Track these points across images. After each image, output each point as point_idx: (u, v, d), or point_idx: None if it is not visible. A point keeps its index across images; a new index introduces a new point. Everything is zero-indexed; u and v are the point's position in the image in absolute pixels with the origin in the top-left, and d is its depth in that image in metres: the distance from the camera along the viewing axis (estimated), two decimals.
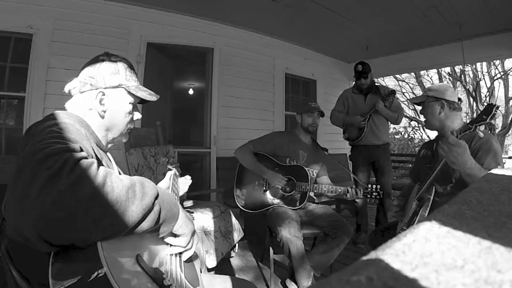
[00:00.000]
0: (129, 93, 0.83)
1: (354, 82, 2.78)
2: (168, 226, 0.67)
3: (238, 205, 1.94)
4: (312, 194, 2.23)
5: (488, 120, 1.03)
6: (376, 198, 1.72)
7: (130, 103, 0.84)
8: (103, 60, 0.80)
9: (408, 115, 10.11)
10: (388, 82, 10.72)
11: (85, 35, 2.64)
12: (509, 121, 8.84)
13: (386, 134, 2.71)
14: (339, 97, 2.88)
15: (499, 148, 1.23)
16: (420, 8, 2.81)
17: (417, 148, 7.79)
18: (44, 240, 0.49)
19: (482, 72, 9.49)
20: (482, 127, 1.09)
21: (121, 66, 0.82)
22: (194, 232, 0.77)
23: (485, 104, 9.22)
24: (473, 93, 8.98)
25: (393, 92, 2.56)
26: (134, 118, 0.88)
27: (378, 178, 2.69)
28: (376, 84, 2.79)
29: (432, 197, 1.27)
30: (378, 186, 1.73)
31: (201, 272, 0.88)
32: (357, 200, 2.65)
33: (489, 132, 1.28)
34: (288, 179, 1.89)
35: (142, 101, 0.89)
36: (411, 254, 0.20)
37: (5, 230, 0.60)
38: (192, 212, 2.01)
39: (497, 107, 1.03)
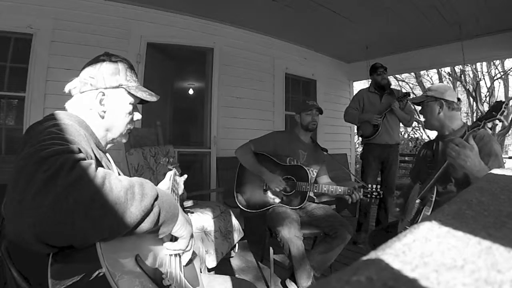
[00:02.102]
0: (129, 93, 0.83)
1: (370, 82, 2.84)
2: (168, 227, 0.67)
3: (238, 205, 1.94)
4: (312, 194, 2.23)
5: (498, 116, 1.01)
6: (376, 198, 1.72)
7: (130, 103, 0.84)
8: (103, 60, 0.80)
9: None
10: None
11: (85, 35, 2.64)
12: (509, 121, 8.84)
13: (398, 134, 2.78)
14: (355, 95, 2.94)
15: (499, 149, 1.23)
16: (420, 8, 2.81)
17: (416, 148, 7.79)
18: (42, 242, 0.49)
19: (482, 72, 9.50)
20: (490, 124, 1.08)
21: (121, 66, 0.82)
22: (192, 234, 0.77)
23: (485, 104, 9.21)
24: (473, 93, 8.98)
25: (407, 94, 2.65)
26: (134, 119, 0.88)
27: (384, 177, 2.73)
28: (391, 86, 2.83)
29: (434, 197, 1.27)
30: (378, 186, 1.73)
31: (201, 272, 0.88)
32: (361, 197, 2.68)
33: (490, 132, 1.28)
34: (288, 179, 1.89)
35: (142, 101, 0.89)
36: (411, 254, 0.20)
37: (5, 230, 0.60)
38: (192, 212, 2.01)
39: (506, 104, 1.01)
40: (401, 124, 2.79)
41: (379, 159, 2.71)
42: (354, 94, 2.99)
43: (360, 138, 2.87)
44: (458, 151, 1.07)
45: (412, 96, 2.79)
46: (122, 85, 0.81)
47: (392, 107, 2.55)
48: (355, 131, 2.89)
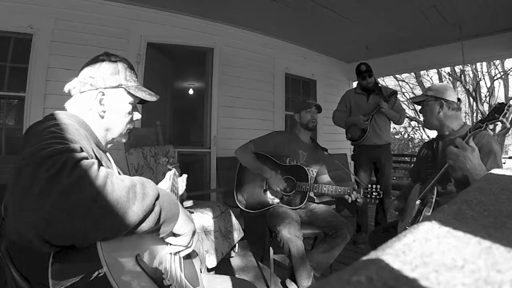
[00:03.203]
0: (129, 93, 0.83)
1: (357, 83, 2.80)
2: (169, 226, 0.67)
3: (238, 205, 1.94)
4: (312, 194, 2.23)
5: (500, 118, 1.01)
6: (376, 198, 1.72)
7: (129, 103, 0.84)
8: (103, 60, 0.80)
9: (408, 115, 10.11)
10: (388, 82, 10.73)
11: (85, 35, 2.64)
12: (509, 121, 8.83)
13: (388, 134, 2.73)
14: (342, 97, 2.90)
15: (499, 149, 1.23)
16: (420, 8, 2.81)
17: (417, 148, 7.79)
18: (44, 241, 0.49)
19: (482, 72, 9.49)
20: (492, 126, 1.07)
21: (121, 66, 0.82)
22: (194, 232, 0.77)
23: (485, 104, 9.22)
24: (473, 93, 8.97)
25: (395, 92, 2.60)
26: (134, 118, 0.88)
27: (378, 178, 2.71)
28: (379, 85, 2.80)
29: (434, 198, 1.27)
30: (378, 186, 1.73)
31: (201, 272, 0.88)
32: (358, 200, 2.68)
33: (491, 133, 1.27)
34: (288, 179, 1.89)
35: (141, 101, 0.89)
36: (411, 254, 0.20)
37: (5, 230, 0.60)
38: (192, 212, 2.01)
39: (509, 106, 0.99)
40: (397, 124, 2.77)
41: (370, 160, 2.69)
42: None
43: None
44: (458, 153, 1.06)
45: (411, 95, 2.78)
46: (121, 85, 0.81)
47: (381, 109, 2.51)
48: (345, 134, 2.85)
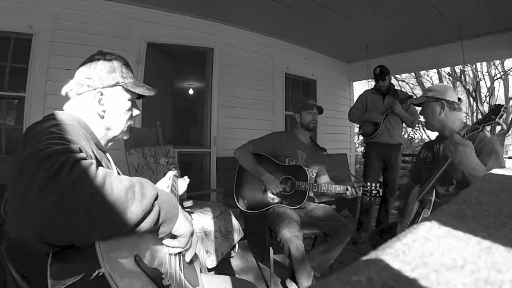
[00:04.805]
0: (127, 90, 0.83)
1: (374, 83, 2.90)
2: (167, 227, 0.67)
3: (238, 205, 1.94)
4: (311, 193, 2.23)
5: (496, 120, 1.03)
6: (376, 197, 1.72)
7: (128, 100, 0.84)
8: (98, 59, 0.80)
9: None
10: None
11: (85, 35, 2.64)
12: (509, 121, 8.83)
13: (400, 134, 2.82)
14: (359, 96, 3.01)
15: (501, 150, 1.23)
16: (420, 8, 2.81)
17: (417, 148, 7.79)
18: (43, 241, 0.49)
19: (482, 72, 9.49)
20: (489, 127, 1.09)
21: (116, 64, 0.81)
22: (192, 233, 0.77)
23: (485, 104, 9.22)
24: (473, 93, 8.97)
25: (411, 97, 2.71)
26: (133, 114, 0.88)
27: (385, 176, 2.78)
28: (396, 88, 2.88)
29: (433, 198, 1.27)
30: (378, 184, 1.73)
31: (201, 272, 0.88)
32: (358, 192, 2.72)
33: (491, 132, 1.28)
34: (287, 179, 1.89)
35: (139, 96, 0.89)
36: (411, 254, 0.20)
37: (5, 230, 0.60)
38: (192, 212, 2.00)
39: (505, 107, 1.03)
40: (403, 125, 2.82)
41: (381, 158, 2.75)
42: (359, 94, 3.07)
43: (361, 138, 2.92)
44: (457, 147, 1.08)
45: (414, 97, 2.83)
46: (119, 83, 0.81)
47: (393, 109, 2.59)
48: (355, 131, 2.94)
